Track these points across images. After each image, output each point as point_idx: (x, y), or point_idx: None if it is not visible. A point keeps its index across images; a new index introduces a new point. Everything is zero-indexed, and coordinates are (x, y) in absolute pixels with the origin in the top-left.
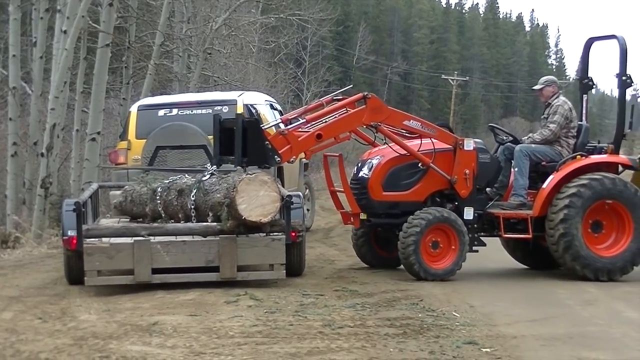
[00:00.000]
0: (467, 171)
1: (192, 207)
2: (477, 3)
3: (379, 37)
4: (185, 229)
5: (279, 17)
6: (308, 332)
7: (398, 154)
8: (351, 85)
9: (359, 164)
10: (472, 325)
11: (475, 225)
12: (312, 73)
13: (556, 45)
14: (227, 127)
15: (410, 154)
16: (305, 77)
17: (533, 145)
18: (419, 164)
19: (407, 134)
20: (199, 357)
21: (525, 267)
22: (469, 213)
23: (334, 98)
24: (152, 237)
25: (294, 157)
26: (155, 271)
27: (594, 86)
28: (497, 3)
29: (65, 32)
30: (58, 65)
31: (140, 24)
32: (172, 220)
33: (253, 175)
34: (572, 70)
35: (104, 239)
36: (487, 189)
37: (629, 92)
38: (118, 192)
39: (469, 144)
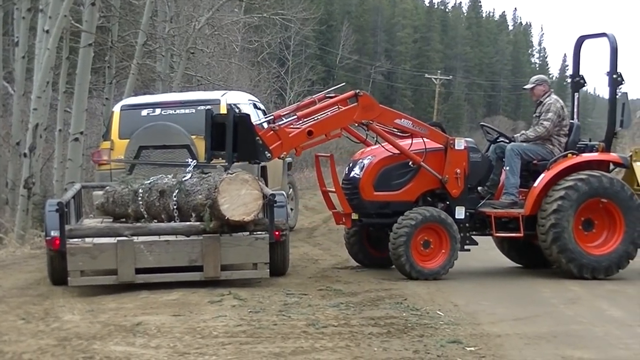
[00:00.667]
0: (458, 170)
1: (175, 207)
2: (460, 2)
3: (362, 37)
4: (169, 228)
5: (262, 17)
6: (292, 332)
7: (389, 154)
8: (343, 84)
9: (351, 164)
10: (456, 324)
11: (467, 225)
12: (295, 72)
13: (539, 44)
14: (219, 122)
15: (401, 152)
16: (288, 76)
17: (524, 144)
18: (410, 164)
19: (398, 133)
20: (183, 357)
21: (518, 265)
22: (460, 212)
23: (327, 95)
24: (135, 237)
25: (285, 153)
26: (138, 271)
27: (585, 84)
28: (480, 2)
29: (47, 31)
30: (40, 65)
31: (123, 23)
32: (155, 221)
33: (234, 174)
34: (555, 69)
35: (87, 239)
36: (479, 188)
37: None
38: (101, 193)
39: (460, 143)
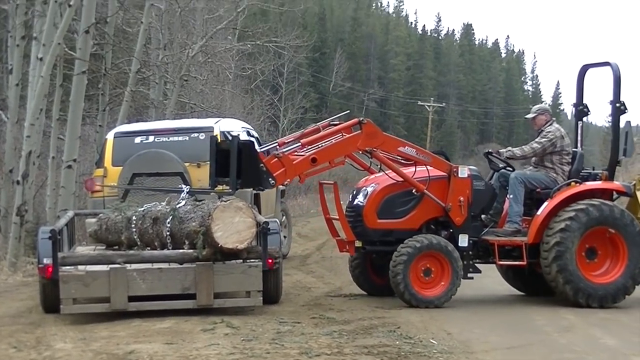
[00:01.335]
0: (462, 198)
1: (168, 234)
2: (453, 30)
3: (355, 64)
4: (162, 256)
5: (255, 44)
6: None
7: (393, 182)
8: (347, 111)
9: (354, 192)
10: (450, 352)
11: (470, 252)
12: (288, 100)
13: (532, 72)
14: (223, 148)
15: (405, 180)
16: (281, 103)
17: (528, 172)
18: (414, 192)
19: (402, 161)
20: None
21: (511, 293)
22: (463, 240)
23: (331, 123)
24: (128, 265)
25: (289, 180)
26: (131, 299)
27: (589, 113)
28: (473, 29)
29: (41, 59)
30: (34, 92)
31: (117, 51)
32: (148, 248)
33: (227, 202)
34: (547, 96)
35: (79, 267)
36: (482, 216)
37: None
38: (94, 220)
39: (464, 172)
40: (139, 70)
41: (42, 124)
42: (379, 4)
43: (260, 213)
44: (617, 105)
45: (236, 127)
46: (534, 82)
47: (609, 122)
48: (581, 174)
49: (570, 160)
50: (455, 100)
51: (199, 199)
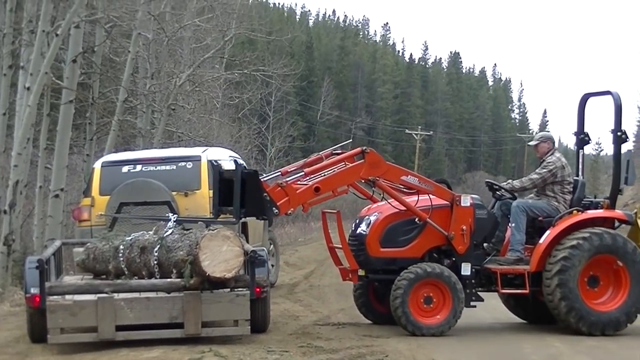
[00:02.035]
0: (464, 227)
1: (155, 263)
2: (440, 58)
3: (343, 92)
4: (149, 285)
5: (242, 73)
6: None
7: (395, 211)
8: (350, 141)
9: (357, 221)
10: None
11: (473, 281)
12: (276, 128)
13: (519, 100)
14: (226, 178)
15: (407, 209)
16: (269, 132)
17: (530, 201)
18: (417, 220)
19: (404, 190)
20: None
21: (497, 321)
22: (466, 269)
23: (333, 152)
24: (115, 294)
25: (292, 209)
26: (119, 328)
27: (590, 141)
28: (460, 58)
29: (28, 88)
30: (21, 121)
31: (104, 80)
32: (136, 277)
33: (215, 230)
34: (535, 124)
35: (67, 296)
36: (484, 245)
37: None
38: (81, 249)
39: (466, 200)
40: (127, 99)
41: (30, 153)
42: (366, 32)
43: (248, 242)
44: (619, 134)
45: (224, 156)
46: (521, 110)
47: (597, 150)
48: (583, 202)
49: (571, 189)
50: (442, 128)
51: (187, 228)
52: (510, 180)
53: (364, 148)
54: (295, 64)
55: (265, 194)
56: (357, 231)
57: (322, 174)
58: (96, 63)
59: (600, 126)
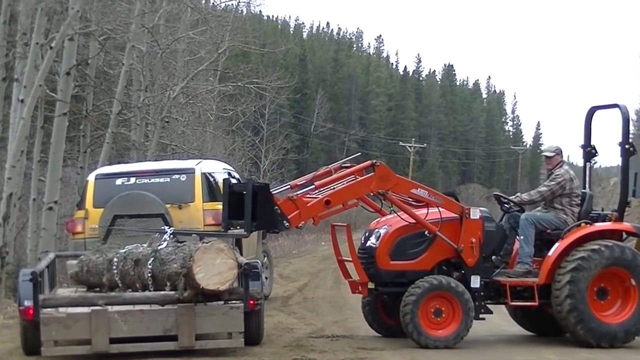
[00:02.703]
0: (474, 240)
1: (149, 275)
2: (434, 70)
3: (337, 105)
4: (143, 297)
5: (236, 86)
6: None
7: (405, 224)
8: (359, 154)
9: (367, 234)
10: None
11: (482, 293)
12: (270, 141)
13: (513, 112)
14: (236, 191)
15: (417, 222)
16: (263, 144)
17: (538, 213)
18: (426, 233)
19: (412, 202)
20: None
21: (489, 334)
22: (475, 281)
23: (342, 165)
24: (109, 307)
25: (303, 222)
26: (112, 341)
27: (597, 154)
28: (454, 70)
29: (22, 101)
30: (15, 134)
31: (98, 92)
32: (130, 290)
33: (209, 243)
34: (529, 137)
35: (60, 309)
36: (493, 257)
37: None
38: (75, 262)
39: (475, 213)
40: (120, 111)
41: (23, 166)
42: (360, 45)
43: (241, 254)
44: (627, 146)
45: (218, 169)
46: (514, 122)
47: (591, 162)
48: (590, 214)
49: (579, 202)
50: (436, 140)
51: (180, 241)
52: (519, 193)
53: (374, 161)
54: (289, 76)
55: (276, 208)
56: (367, 244)
57: (332, 187)
58: (90, 76)
59: (595, 138)
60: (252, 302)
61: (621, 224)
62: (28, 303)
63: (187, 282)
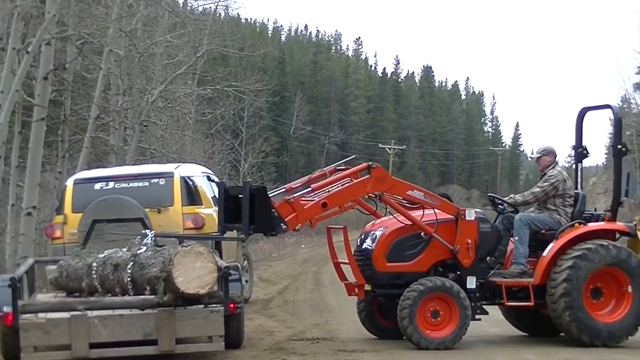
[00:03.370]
0: (470, 241)
1: (129, 280)
2: (413, 72)
3: (316, 107)
4: (123, 302)
5: (215, 89)
6: None
7: (401, 225)
8: (354, 156)
9: (362, 236)
10: None
11: (478, 294)
12: (249, 144)
13: (492, 113)
14: (232, 195)
15: (413, 223)
16: (242, 148)
17: (532, 214)
18: (422, 235)
19: (407, 204)
20: None
21: (473, 335)
22: (471, 282)
23: (337, 168)
24: (89, 312)
25: (300, 225)
26: (92, 346)
27: (588, 155)
28: (433, 71)
29: None
30: None
31: (76, 97)
32: (109, 294)
33: (188, 247)
34: (508, 138)
35: (40, 314)
36: (487, 258)
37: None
38: (54, 267)
39: (471, 214)
40: (99, 116)
41: (1, 171)
42: (339, 47)
43: (221, 258)
44: (619, 147)
45: (197, 172)
46: (494, 123)
47: (569, 163)
48: (583, 215)
49: (572, 202)
50: (415, 142)
51: (160, 245)
52: (512, 195)
53: (370, 163)
54: (268, 79)
55: (273, 210)
56: (363, 246)
57: (328, 190)
58: (68, 80)
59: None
60: (232, 305)
61: (615, 223)
62: (7, 309)
63: (166, 286)
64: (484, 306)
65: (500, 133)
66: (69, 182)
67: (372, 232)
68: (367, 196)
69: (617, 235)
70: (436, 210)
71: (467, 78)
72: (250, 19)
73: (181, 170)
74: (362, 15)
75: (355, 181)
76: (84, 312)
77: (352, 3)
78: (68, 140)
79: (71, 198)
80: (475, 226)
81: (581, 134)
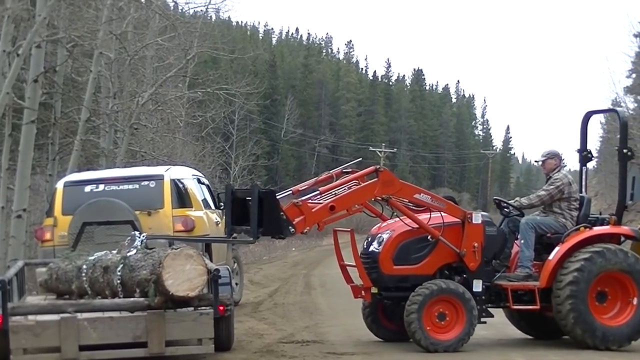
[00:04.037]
0: (476, 244)
1: (119, 282)
2: (404, 75)
3: (307, 110)
4: (112, 304)
5: (205, 92)
6: None
7: (408, 229)
8: (360, 159)
9: (369, 239)
10: None
11: (484, 297)
12: (240, 147)
13: (482, 116)
14: (240, 197)
15: (420, 226)
16: (233, 150)
17: (538, 217)
18: (429, 238)
19: (413, 207)
20: None
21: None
22: (477, 285)
23: (344, 171)
24: (78, 314)
25: (308, 228)
26: (82, 348)
27: (593, 158)
28: (423, 75)
29: None
30: None
31: (66, 99)
32: (99, 297)
33: (178, 249)
34: (498, 141)
35: (29, 317)
36: (493, 261)
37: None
38: (44, 270)
39: (477, 218)
40: (89, 119)
41: None
42: (330, 50)
43: (211, 260)
44: (625, 151)
45: (187, 175)
46: (484, 126)
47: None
48: (589, 218)
49: (578, 206)
50: (406, 145)
51: (150, 247)
52: (518, 198)
53: (378, 167)
54: (259, 82)
55: (282, 213)
56: (370, 249)
57: (335, 193)
58: (58, 83)
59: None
60: (222, 308)
61: (620, 227)
62: None
63: (156, 288)
64: (489, 309)
65: (491, 136)
66: (59, 185)
67: (379, 235)
68: (374, 199)
69: (622, 239)
70: (442, 214)
71: (458, 81)
72: (241, 22)
73: (171, 172)
74: (353, 19)
75: (363, 184)
76: (73, 314)
77: (343, 6)
78: (58, 143)
79: (61, 200)
80: (481, 229)
81: (586, 137)
